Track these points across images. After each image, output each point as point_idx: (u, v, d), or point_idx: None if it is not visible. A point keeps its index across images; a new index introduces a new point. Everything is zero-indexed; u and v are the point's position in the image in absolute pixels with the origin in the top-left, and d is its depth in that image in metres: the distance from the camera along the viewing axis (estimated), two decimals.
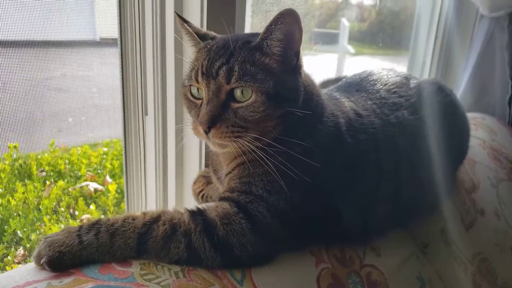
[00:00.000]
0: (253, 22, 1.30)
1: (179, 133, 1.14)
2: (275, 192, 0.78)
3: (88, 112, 1.28)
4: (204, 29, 0.93)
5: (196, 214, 0.76)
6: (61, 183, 1.33)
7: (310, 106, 0.84)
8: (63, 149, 1.36)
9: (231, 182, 0.85)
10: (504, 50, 1.84)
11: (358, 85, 1.11)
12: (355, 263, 0.93)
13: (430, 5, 2.03)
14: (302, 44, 0.81)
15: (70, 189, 1.38)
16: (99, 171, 1.53)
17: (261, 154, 0.77)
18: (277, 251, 0.81)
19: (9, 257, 1.16)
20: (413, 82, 1.15)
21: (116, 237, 0.70)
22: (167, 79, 1.13)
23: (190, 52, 0.90)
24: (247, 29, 1.20)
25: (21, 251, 1.19)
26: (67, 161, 1.41)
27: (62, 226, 1.27)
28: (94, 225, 0.71)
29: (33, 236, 1.21)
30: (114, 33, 1.14)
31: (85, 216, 1.35)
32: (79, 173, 1.45)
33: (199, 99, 0.82)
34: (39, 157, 1.26)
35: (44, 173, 1.30)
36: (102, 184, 1.50)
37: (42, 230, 1.24)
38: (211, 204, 0.80)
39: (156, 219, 0.74)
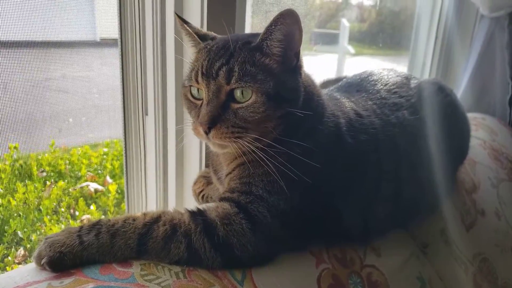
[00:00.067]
0: (253, 23, 1.30)
1: (179, 134, 1.14)
2: (275, 193, 0.78)
3: (89, 113, 1.28)
4: (204, 30, 0.93)
5: (197, 215, 0.76)
6: (61, 183, 1.33)
7: (310, 106, 0.83)
8: (63, 149, 1.36)
9: (231, 183, 0.85)
10: (504, 50, 1.84)
11: (359, 86, 1.11)
12: (356, 263, 0.92)
13: (430, 5, 2.03)
14: (302, 45, 0.80)
15: (70, 190, 1.38)
16: (99, 171, 1.53)
17: (261, 155, 0.77)
18: (277, 252, 0.81)
19: (9, 258, 1.16)
20: (413, 82, 1.15)
21: (117, 238, 0.70)
22: (167, 79, 1.13)
23: (190, 52, 0.90)
24: (247, 30, 1.20)
25: (21, 251, 1.19)
26: (67, 162, 1.41)
27: (63, 226, 1.27)
28: (95, 226, 0.71)
29: (33, 237, 1.21)
30: (114, 33, 1.14)
31: (85, 217, 1.35)
32: (80, 174, 1.45)
33: (199, 99, 0.82)
34: (40, 157, 1.26)
35: (44, 174, 1.30)
36: (103, 185, 1.50)
37: (43, 230, 1.24)
38: (211, 205, 0.80)
39: (156, 219, 0.74)
